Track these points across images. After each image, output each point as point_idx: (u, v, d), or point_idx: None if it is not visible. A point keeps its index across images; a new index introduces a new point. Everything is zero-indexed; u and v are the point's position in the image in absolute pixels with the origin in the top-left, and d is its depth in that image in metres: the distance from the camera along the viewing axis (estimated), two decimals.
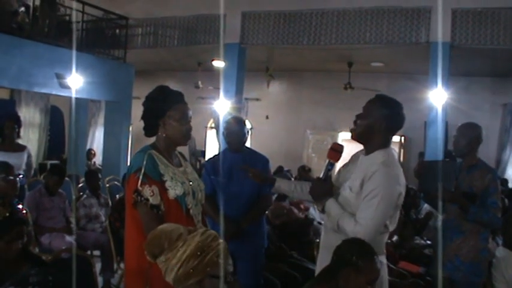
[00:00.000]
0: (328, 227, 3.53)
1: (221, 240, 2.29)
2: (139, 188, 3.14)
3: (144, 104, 3.40)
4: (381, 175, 3.21)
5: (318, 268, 3.60)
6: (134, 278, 3.17)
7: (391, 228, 3.39)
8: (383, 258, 3.35)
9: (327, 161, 3.51)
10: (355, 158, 3.62)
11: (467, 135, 4.53)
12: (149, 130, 3.39)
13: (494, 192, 4.37)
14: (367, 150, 3.47)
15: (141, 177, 3.15)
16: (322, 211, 3.50)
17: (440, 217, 4.54)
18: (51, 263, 3.39)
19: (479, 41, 10.70)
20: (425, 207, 7.65)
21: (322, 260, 3.53)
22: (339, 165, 3.68)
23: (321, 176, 3.51)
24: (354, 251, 2.99)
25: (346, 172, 3.57)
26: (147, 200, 3.13)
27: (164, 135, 3.34)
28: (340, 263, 3.00)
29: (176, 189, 3.24)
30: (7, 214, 3.26)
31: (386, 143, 3.43)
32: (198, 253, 2.18)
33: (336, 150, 3.51)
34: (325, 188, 3.47)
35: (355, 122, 3.47)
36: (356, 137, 3.48)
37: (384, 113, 3.37)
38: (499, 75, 13.86)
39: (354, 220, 3.23)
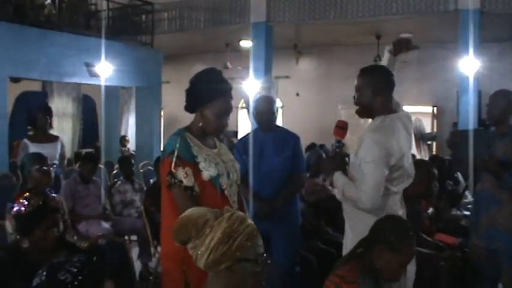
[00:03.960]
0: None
1: (250, 222, 2.26)
2: (173, 170, 3.16)
3: (190, 82, 3.38)
4: (366, 141, 3.35)
5: (345, 240, 3.68)
6: (171, 260, 3.19)
7: (398, 189, 3.46)
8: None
9: (335, 138, 3.65)
10: None
11: (500, 103, 4.46)
12: (188, 109, 3.39)
13: None
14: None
15: (174, 159, 3.17)
16: (331, 184, 3.58)
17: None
18: (87, 250, 3.43)
19: (510, 5, 10.49)
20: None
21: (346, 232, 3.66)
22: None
23: (330, 153, 3.60)
24: (392, 229, 2.96)
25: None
26: (181, 181, 3.15)
27: (200, 123, 3.33)
28: (376, 238, 2.98)
29: (210, 170, 3.25)
30: (40, 203, 3.29)
31: (384, 109, 3.47)
32: (226, 239, 2.16)
33: (341, 127, 3.62)
34: (334, 164, 3.58)
35: (354, 101, 3.60)
36: (359, 113, 3.60)
37: (366, 82, 3.47)
38: None
39: (356, 187, 3.35)
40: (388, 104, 3.48)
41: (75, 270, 2.88)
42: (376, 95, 3.45)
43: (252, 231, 2.22)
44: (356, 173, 3.40)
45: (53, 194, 5.05)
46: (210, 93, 3.28)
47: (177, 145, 3.21)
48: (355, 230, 3.46)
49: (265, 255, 2.35)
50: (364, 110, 3.53)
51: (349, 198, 3.41)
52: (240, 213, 2.31)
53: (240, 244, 2.17)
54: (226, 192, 3.34)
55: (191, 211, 2.30)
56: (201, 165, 3.24)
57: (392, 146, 3.31)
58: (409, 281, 3.46)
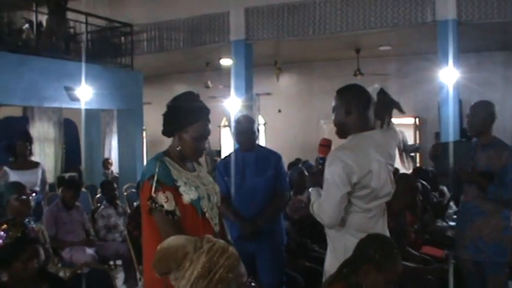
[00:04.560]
0: None
1: (231, 251, 2.20)
2: (153, 195, 3.12)
3: (167, 106, 3.34)
4: (329, 159, 3.36)
5: (326, 260, 3.62)
6: (154, 286, 3.14)
7: (370, 206, 3.37)
8: None
9: (318, 156, 3.68)
10: None
11: (481, 114, 4.45)
12: (166, 133, 3.35)
13: None
14: None
15: (154, 183, 3.12)
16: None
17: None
18: (70, 280, 3.38)
19: (486, 15, 10.59)
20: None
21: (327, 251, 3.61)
22: None
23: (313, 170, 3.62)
24: (377, 248, 2.93)
25: None
26: (162, 206, 3.11)
27: (178, 147, 3.30)
28: (362, 258, 2.94)
29: (190, 193, 3.21)
30: (19, 234, 3.24)
31: (357, 128, 3.42)
32: (206, 274, 2.12)
33: (325, 146, 3.63)
34: (316, 181, 3.55)
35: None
36: (339, 136, 3.56)
37: (340, 102, 3.44)
38: (510, 48, 13.66)
39: (318, 204, 3.38)
40: (362, 123, 3.42)
41: None
42: (348, 113, 3.41)
43: (233, 262, 2.17)
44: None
45: (33, 224, 4.99)
46: (187, 117, 3.25)
47: (157, 169, 3.17)
48: (333, 249, 3.45)
49: (249, 279, 2.30)
50: (340, 130, 3.50)
51: (313, 215, 3.44)
52: (221, 242, 2.24)
53: (220, 277, 2.12)
54: (207, 215, 3.30)
55: (170, 242, 2.24)
56: (182, 189, 3.20)
57: (354, 164, 3.26)
58: None
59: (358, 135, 3.39)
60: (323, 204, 3.32)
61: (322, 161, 3.60)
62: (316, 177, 3.57)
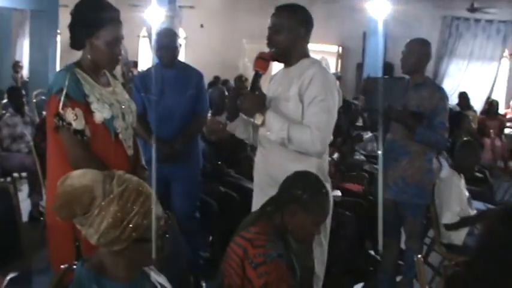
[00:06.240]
0: (267, 143, 3.29)
1: (146, 192, 1.92)
2: (61, 111, 2.82)
3: (71, 14, 3.00)
4: (321, 79, 3.10)
5: (255, 192, 3.44)
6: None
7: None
8: (328, 186, 3.13)
9: (255, 72, 3.26)
10: (278, 74, 3.46)
11: (417, 52, 4.28)
12: (75, 45, 3.02)
13: (442, 112, 4.21)
14: (290, 64, 3.30)
15: (62, 98, 2.82)
16: (262, 125, 3.19)
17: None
18: None
19: None
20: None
21: (260, 183, 3.39)
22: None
23: (249, 88, 3.27)
24: (306, 188, 2.72)
25: (274, 89, 3.37)
26: (70, 124, 2.82)
27: (89, 57, 2.97)
28: (288, 198, 2.74)
29: (103, 112, 2.93)
30: None
31: (307, 51, 3.29)
32: (118, 223, 1.85)
33: (264, 59, 3.26)
34: (258, 99, 3.20)
35: (269, 42, 3.27)
36: (277, 55, 3.27)
37: (296, 20, 3.21)
38: None
39: (307, 127, 3.05)
40: (307, 49, 3.29)
41: None
42: (306, 35, 3.23)
43: (148, 206, 1.90)
44: (293, 114, 3.14)
45: None
46: (97, 21, 2.93)
47: (66, 82, 2.86)
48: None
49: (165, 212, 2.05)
50: (282, 53, 3.24)
51: (296, 141, 3.06)
52: (134, 182, 1.94)
53: (135, 225, 1.85)
54: (120, 136, 3.04)
55: (73, 182, 1.88)
56: (93, 106, 2.92)
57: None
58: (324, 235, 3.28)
59: (316, 60, 3.25)
60: (321, 130, 3.03)
61: (259, 77, 3.26)
62: (259, 98, 3.22)
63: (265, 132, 3.20)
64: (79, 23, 2.96)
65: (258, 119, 3.14)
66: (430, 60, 4.43)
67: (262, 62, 3.24)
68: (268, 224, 2.74)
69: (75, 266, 2.00)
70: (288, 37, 3.19)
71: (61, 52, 13.54)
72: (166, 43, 4.57)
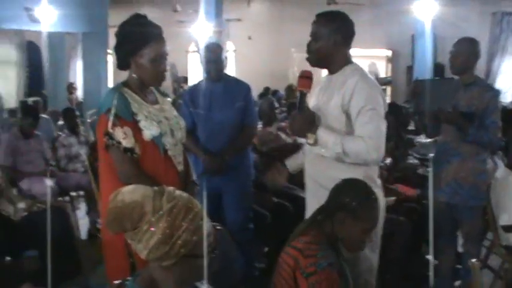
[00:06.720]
0: (314, 157, 3.26)
1: (196, 209, 1.91)
2: (110, 130, 2.88)
3: (116, 35, 3.07)
4: (364, 88, 3.09)
5: (308, 200, 3.41)
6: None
7: None
8: (379, 192, 3.10)
9: (299, 91, 3.24)
10: (323, 81, 3.44)
11: (465, 52, 4.20)
12: (121, 65, 3.09)
13: (494, 111, 4.11)
14: (332, 71, 3.30)
15: (111, 118, 2.88)
16: (314, 144, 3.18)
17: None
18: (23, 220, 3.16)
19: None
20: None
21: (311, 192, 3.35)
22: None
23: (297, 108, 3.23)
24: (354, 195, 2.71)
25: (319, 97, 3.35)
26: (120, 142, 2.88)
27: (135, 75, 3.03)
28: (336, 206, 2.73)
29: (152, 129, 2.97)
30: None
31: (349, 58, 3.28)
32: (168, 240, 1.85)
33: (307, 78, 3.22)
34: (307, 119, 3.17)
35: (308, 50, 3.29)
36: (315, 63, 3.31)
37: (333, 27, 3.20)
38: None
39: (360, 138, 3.03)
40: (349, 56, 3.28)
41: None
42: (344, 42, 3.23)
43: (198, 222, 1.90)
44: (340, 126, 3.13)
45: None
46: (138, 39, 2.98)
47: (114, 102, 2.92)
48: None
49: (217, 226, 2.06)
50: (322, 59, 3.26)
51: (351, 153, 3.03)
52: (184, 198, 1.94)
53: (184, 242, 1.86)
54: (170, 152, 3.07)
55: (124, 198, 1.89)
56: (142, 124, 2.96)
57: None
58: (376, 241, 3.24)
59: (358, 66, 3.23)
60: (374, 138, 3.02)
61: (304, 96, 3.23)
62: (307, 117, 3.17)
63: (319, 151, 3.18)
64: (123, 43, 3.03)
65: (310, 139, 3.14)
66: (482, 59, 4.35)
67: (304, 80, 3.22)
68: (319, 232, 2.73)
69: (127, 282, 2.02)
70: (324, 44, 3.19)
71: (114, 72, 13.83)
72: (213, 57, 4.62)
